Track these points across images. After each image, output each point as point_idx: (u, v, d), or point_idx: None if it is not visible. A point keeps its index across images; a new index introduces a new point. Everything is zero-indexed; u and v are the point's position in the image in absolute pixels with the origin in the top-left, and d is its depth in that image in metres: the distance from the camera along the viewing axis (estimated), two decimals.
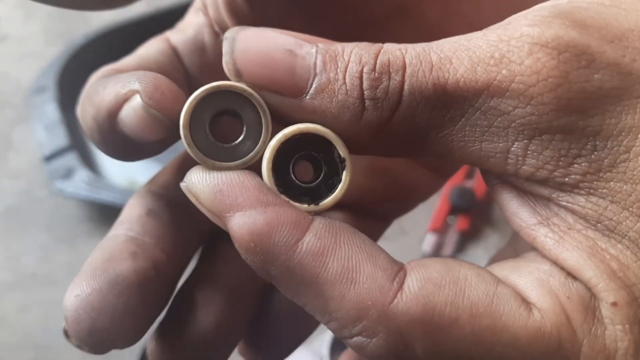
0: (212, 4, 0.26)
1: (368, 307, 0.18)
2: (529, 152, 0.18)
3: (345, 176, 0.20)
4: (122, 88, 0.20)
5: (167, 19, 0.77)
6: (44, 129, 0.61)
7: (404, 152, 0.20)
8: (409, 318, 0.18)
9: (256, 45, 0.19)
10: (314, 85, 0.19)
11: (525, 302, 0.18)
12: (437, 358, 0.18)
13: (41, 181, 0.61)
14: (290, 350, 0.28)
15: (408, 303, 0.18)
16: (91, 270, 0.23)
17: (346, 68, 0.19)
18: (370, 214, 0.29)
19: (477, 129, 0.18)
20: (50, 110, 0.62)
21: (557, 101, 0.17)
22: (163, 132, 0.20)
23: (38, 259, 0.56)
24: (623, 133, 0.17)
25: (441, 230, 0.54)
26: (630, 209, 0.18)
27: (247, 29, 0.20)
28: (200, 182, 0.19)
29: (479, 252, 0.53)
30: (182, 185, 0.20)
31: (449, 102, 0.18)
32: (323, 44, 0.19)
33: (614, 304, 0.18)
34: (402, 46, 0.19)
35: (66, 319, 0.22)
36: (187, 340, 0.24)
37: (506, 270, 0.20)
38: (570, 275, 0.18)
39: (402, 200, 0.30)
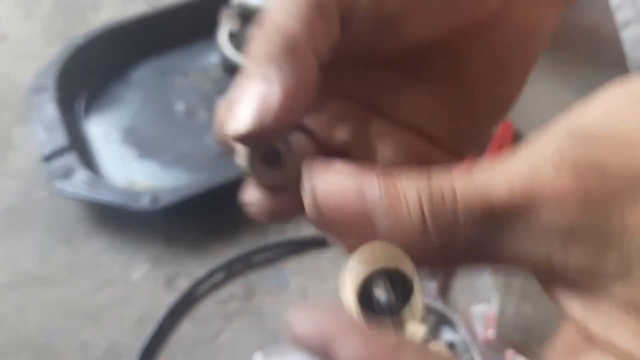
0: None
1: None
2: (568, 252, 0.21)
3: (416, 297, 0.22)
4: None
5: (166, 19, 0.77)
6: (43, 129, 0.61)
7: (463, 264, 0.23)
8: None
9: (334, 199, 0.22)
10: (384, 223, 0.22)
11: None
12: None
13: (40, 181, 0.61)
14: None
15: None
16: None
17: (408, 203, 0.22)
18: None
19: (523, 239, 0.22)
20: (50, 110, 0.62)
21: (582, 208, 0.21)
22: None
23: (37, 259, 0.56)
24: None
25: None
26: None
27: (321, 178, 0.22)
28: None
29: None
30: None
31: (495, 220, 0.22)
32: (383, 182, 0.22)
33: None
34: (449, 176, 0.22)
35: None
36: None
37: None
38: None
39: None
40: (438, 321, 0.47)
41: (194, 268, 0.54)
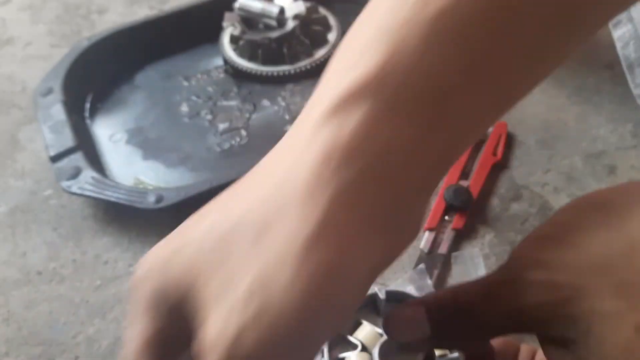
0: None
1: None
2: None
3: None
4: None
5: (170, 23, 0.78)
6: (51, 129, 0.62)
7: None
8: None
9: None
10: None
11: None
12: None
13: (48, 181, 0.62)
14: None
15: None
16: None
17: None
18: None
19: None
20: (57, 111, 0.64)
21: None
22: None
23: (45, 256, 0.57)
24: None
25: (437, 228, 0.55)
26: None
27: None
28: None
29: (475, 251, 0.54)
30: None
31: None
32: None
33: None
34: None
35: None
36: None
37: None
38: None
39: None
40: None
41: None
